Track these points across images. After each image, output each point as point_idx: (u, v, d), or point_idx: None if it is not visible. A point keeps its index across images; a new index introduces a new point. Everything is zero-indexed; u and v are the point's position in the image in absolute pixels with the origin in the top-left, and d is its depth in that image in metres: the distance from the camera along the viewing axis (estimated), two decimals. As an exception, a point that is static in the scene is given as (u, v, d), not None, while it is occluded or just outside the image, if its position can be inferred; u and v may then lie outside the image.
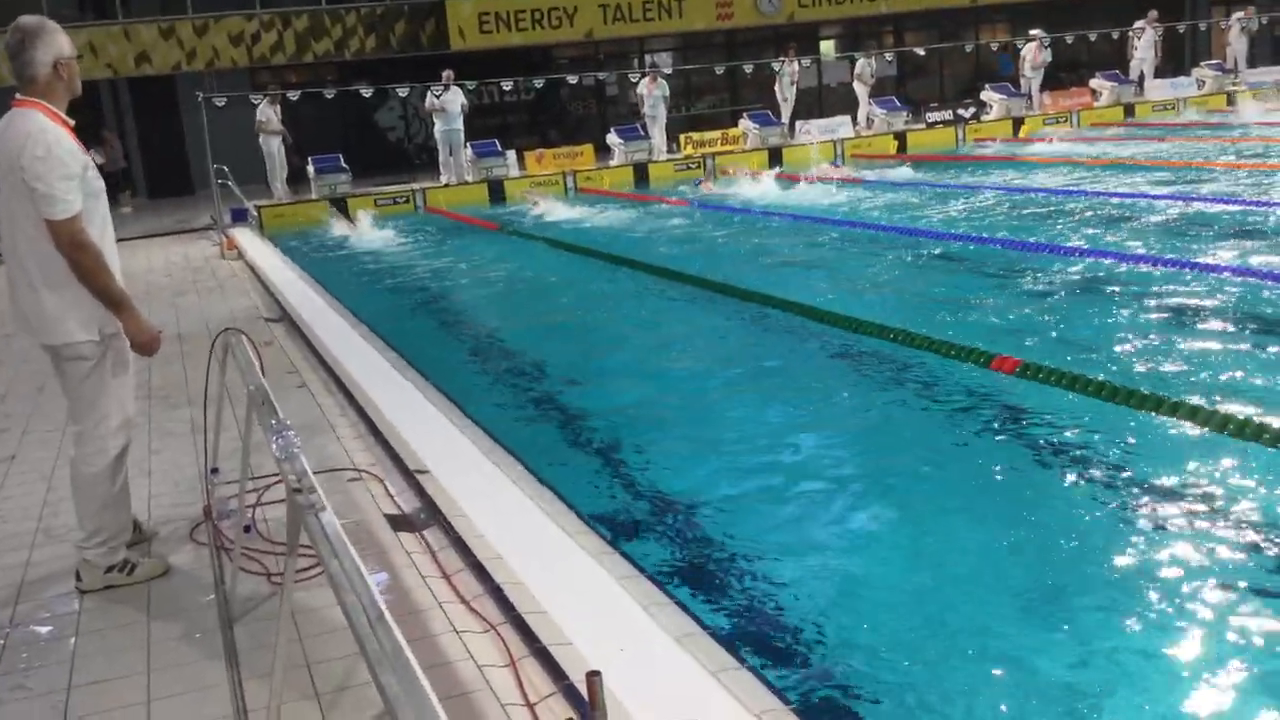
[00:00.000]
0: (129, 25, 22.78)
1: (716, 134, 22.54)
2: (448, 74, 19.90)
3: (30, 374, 8.06)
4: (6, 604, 4.16)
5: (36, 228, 3.97)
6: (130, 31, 22.78)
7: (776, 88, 23.67)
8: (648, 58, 27.59)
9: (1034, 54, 24.04)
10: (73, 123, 4.12)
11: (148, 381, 7.31)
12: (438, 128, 20.14)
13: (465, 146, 20.42)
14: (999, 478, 5.17)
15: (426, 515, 4.64)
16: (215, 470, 5.06)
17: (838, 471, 5.40)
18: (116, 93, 24.38)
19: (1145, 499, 4.79)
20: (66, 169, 3.92)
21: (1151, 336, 7.17)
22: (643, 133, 21.78)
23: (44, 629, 3.93)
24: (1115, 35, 24.86)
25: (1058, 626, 3.84)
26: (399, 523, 4.62)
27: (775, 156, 21.37)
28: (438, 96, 19.76)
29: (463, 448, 5.37)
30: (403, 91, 21.78)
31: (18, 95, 4.07)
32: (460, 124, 20.03)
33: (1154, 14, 24.24)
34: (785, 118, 23.34)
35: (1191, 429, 5.33)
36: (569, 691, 3.10)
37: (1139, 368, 6.53)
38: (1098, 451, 5.36)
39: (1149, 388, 5.83)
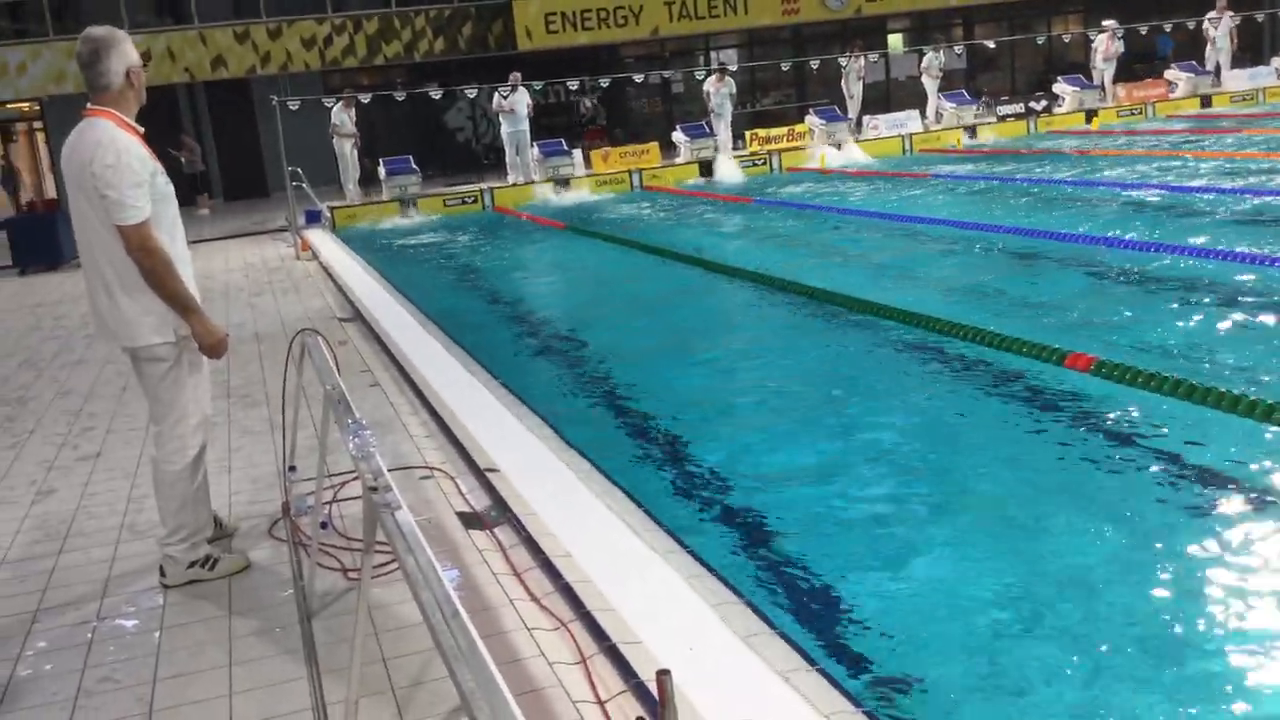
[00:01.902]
0: (205, 30, 23.28)
1: (783, 130, 22.45)
2: (515, 75, 20.06)
3: (114, 374, 8.29)
4: (94, 598, 4.29)
5: (110, 234, 4.07)
6: (206, 36, 23.28)
7: (843, 83, 23.52)
8: (713, 55, 27.55)
9: (1106, 45, 23.60)
10: (142, 130, 4.23)
11: (227, 381, 7.48)
12: (504, 128, 20.32)
13: (532, 146, 20.58)
14: (1075, 477, 5.10)
15: (497, 513, 4.70)
16: (293, 468, 5.19)
17: (910, 471, 5.37)
18: (194, 97, 24.92)
19: (1223, 497, 4.70)
20: (136, 176, 4.02)
21: (1229, 333, 7.02)
22: (708, 130, 21.75)
23: (130, 623, 4.05)
24: (1191, 25, 24.33)
25: (1138, 629, 3.79)
26: (470, 520, 4.69)
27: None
28: (505, 97, 19.93)
29: (532, 446, 5.42)
30: (471, 93, 21.99)
31: (89, 105, 4.18)
32: (527, 124, 20.19)
33: (1223, 2, 23.63)
34: (852, 113, 23.19)
35: (1273, 429, 5.21)
36: (639, 689, 3.13)
37: (1216, 365, 6.40)
38: (1177, 450, 5.27)
39: (1226, 385, 5.71)
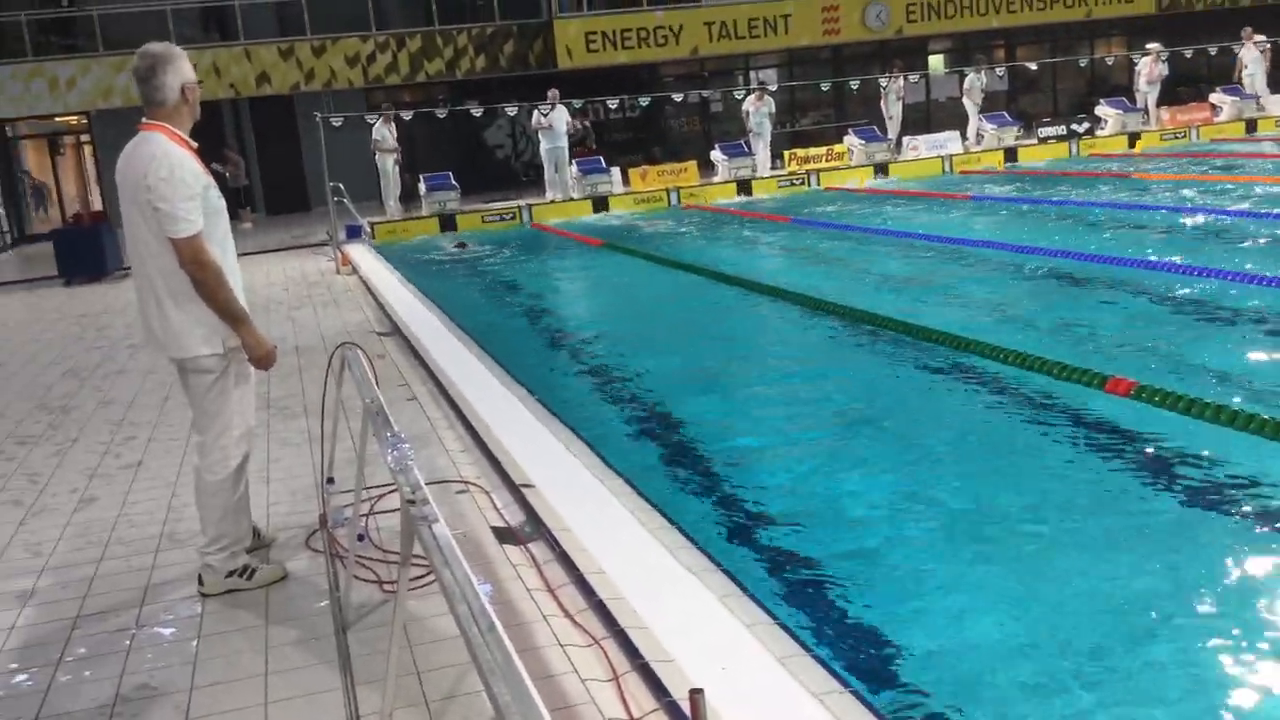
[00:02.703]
0: (250, 46, 23.59)
1: (822, 150, 22.44)
2: (553, 93, 20.20)
3: (156, 384, 8.39)
4: (133, 605, 4.34)
5: (162, 246, 4.13)
6: (251, 53, 23.58)
7: (882, 103, 23.50)
8: (753, 74, 27.58)
9: (1150, 68, 23.43)
10: (195, 145, 4.30)
11: (267, 393, 7.55)
12: (543, 145, 20.47)
13: (570, 164, 20.69)
14: (1115, 504, 5.05)
15: (531, 529, 4.71)
16: (331, 480, 5.23)
17: (946, 495, 5.33)
18: (238, 112, 25.25)
19: (1265, 525, 4.64)
20: (189, 189, 4.08)
21: (1271, 360, 6.93)
22: (747, 149, 21.79)
23: (168, 630, 4.10)
24: (1237, 49, 24.10)
25: (1169, 655, 3.75)
26: (505, 535, 4.70)
27: (881, 173, 21.26)
28: (544, 115, 20.06)
29: (567, 462, 5.43)
30: (511, 110, 22.15)
31: (144, 119, 4.25)
32: (565, 142, 20.35)
33: (1249, 30, 23.37)
34: (892, 134, 23.16)
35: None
36: (671, 708, 3.12)
37: (1259, 392, 6.31)
38: (1218, 479, 5.20)
39: (1270, 413, 5.63)
